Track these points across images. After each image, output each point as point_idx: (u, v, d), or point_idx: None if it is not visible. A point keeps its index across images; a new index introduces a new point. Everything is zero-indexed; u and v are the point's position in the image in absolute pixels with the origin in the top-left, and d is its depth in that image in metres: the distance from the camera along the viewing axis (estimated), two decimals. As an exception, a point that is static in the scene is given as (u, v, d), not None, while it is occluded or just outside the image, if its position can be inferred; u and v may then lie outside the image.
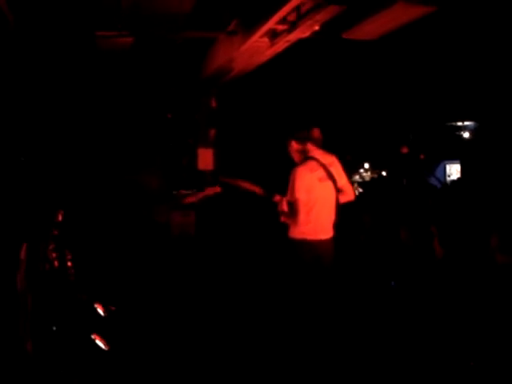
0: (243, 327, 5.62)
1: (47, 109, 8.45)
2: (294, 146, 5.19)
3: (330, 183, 5.03)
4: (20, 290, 4.18)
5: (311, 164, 5.05)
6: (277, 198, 5.33)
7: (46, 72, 8.11)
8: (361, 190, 12.52)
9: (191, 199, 7.58)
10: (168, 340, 5.28)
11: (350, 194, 5.31)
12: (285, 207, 5.16)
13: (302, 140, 5.15)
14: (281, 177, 5.40)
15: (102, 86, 8.87)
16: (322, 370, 4.55)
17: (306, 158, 5.11)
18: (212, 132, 9.35)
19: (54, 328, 4.57)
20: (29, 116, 8.07)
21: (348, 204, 5.31)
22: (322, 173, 5.01)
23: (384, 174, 15.73)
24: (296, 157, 5.21)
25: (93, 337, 4.65)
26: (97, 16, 6.37)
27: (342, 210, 5.15)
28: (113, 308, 5.22)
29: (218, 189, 6.67)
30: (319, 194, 4.98)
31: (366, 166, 18.79)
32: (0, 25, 6.07)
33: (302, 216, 4.93)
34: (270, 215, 5.54)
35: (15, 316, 4.09)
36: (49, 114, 8.50)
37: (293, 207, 5.01)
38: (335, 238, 5.11)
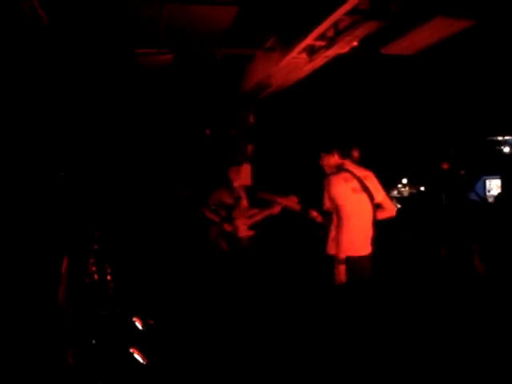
0: (285, 346, 5.57)
1: (87, 123, 8.61)
2: (331, 160, 5.12)
3: (364, 196, 4.90)
4: (61, 302, 4.24)
5: (345, 175, 4.95)
6: (313, 213, 5.31)
7: (87, 88, 8.28)
8: (399, 206, 12.38)
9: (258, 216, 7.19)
10: (206, 354, 5.27)
11: (390, 210, 5.17)
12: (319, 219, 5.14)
13: (342, 155, 5.09)
14: (317, 192, 5.38)
15: (142, 102, 9.01)
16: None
17: (340, 169, 5.03)
18: (250, 147, 9.38)
19: (94, 341, 4.62)
20: (68, 130, 8.23)
21: (386, 220, 5.21)
22: (355, 184, 4.90)
23: (422, 189, 15.54)
24: (329, 170, 5.14)
25: (131, 350, 4.69)
26: (137, 33, 6.49)
27: (379, 225, 5.07)
28: (151, 322, 5.26)
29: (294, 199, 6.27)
30: (354, 206, 4.84)
31: (404, 181, 18.58)
32: (43, 40, 6.22)
33: (344, 224, 4.78)
34: (308, 230, 5.51)
35: (57, 328, 4.15)
36: (88, 128, 8.66)
37: (330, 219, 4.96)
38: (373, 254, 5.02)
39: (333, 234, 4.92)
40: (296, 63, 6.61)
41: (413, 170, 16.01)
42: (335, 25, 5.42)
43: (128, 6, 5.62)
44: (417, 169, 15.28)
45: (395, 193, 17.60)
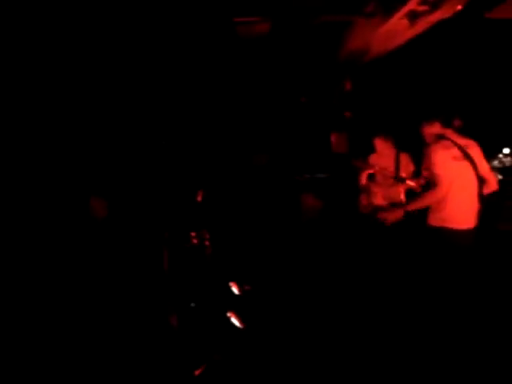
0: (370, 316, 5.54)
1: (186, 95, 8.80)
2: (433, 129, 4.99)
3: (467, 164, 4.72)
4: (166, 267, 4.43)
5: (445, 143, 4.78)
6: (410, 183, 5.21)
7: (187, 59, 8.44)
8: (500, 177, 11.89)
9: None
10: (300, 321, 5.33)
11: (493, 184, 4.90)
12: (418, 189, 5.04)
13: (444, 125, 4.94)
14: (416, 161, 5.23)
15: (240, 72, 9.09)
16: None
17: (441, 138, 4.88)
18: (346, 115, 9.28)
19: (193, 305, 4.79)
20: (170, 102, 8.45)
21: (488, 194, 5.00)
22: (456, 152, 4.72)
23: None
24: (429, 139, 5.02)
25: (228, 315, 4.83)
26: (235, 2, 6.53)
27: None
28: (248, 287, 5.37)
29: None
30: (455, 174, 4.68)
31: (506, 151, 17.82)
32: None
33: (441, 193, 4.66)
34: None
35: (163, 292, 4.34)
36: (188, 100, 8.85)
37: (430, 186, 4.79)
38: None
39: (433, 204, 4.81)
40: (396, 29, 6.43)
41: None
42: (439, -12, 5.25)
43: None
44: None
45: (496, 163, 16.95)
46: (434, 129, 4.96)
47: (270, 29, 6.86)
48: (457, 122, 5.02)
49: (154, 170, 6.29)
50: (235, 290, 5.27)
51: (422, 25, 6.10)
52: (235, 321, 4.81)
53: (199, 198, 5.58)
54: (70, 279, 4.63)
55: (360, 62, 8.42)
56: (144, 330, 4.40)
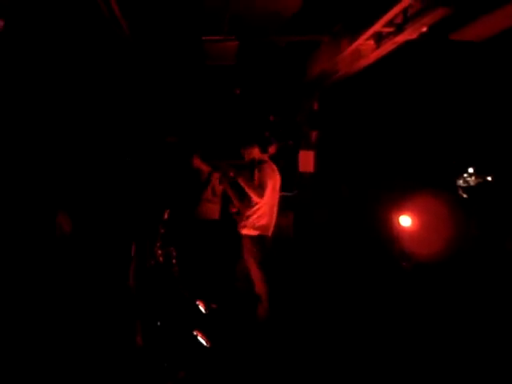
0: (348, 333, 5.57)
1: (155, 110, 8.78)
2: None
3: None
4: (132, 285, 4.38)
5: None
6: None
7: (158, 75, 8.47)
8: (465, 196, 12.08)
9: None
10: (266, 338, 5.31)
11: None
12: None
13: None
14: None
15: (207, 89, 9.13)
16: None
17: None
18: (314, 134, 9.35)
19: (159, 323, 4.75)
20: (136, 117, 8.43)
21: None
22: None
23: (489, 179, 15.15)
24: None
25: (195, 333, 4.79)
26: (204, 21, 6.59)
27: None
28: (214, 306, 5.34)
29: None
30: None
31: (471, 170, 18.15)
32: (116, 34, 6.45)
33: None
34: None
35: (128, 310, 4.29)
36: (156, 116, 8.83)
37: None
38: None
39: None
40: (363, 50, 6.56)
41: (480, 158, 15.62)
42: (404, 11, 5.36)
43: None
44: (484, 157, 14.90)
45: (461, 182, 17.22)
46: None
47: (237, 47, 6.91)
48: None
49: (121, 187, 6.24)
50: (202, 308, 5.24)
51: (388, 46, 6.21)
52: (201, 339, 4.78)
53: (166, 216, 5.55)
54: (36, 295, 4.55)
55: (328, 82, 8.52)
56: (109, 347, 4.34)
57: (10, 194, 4.67)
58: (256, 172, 5.29)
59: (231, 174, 5.41)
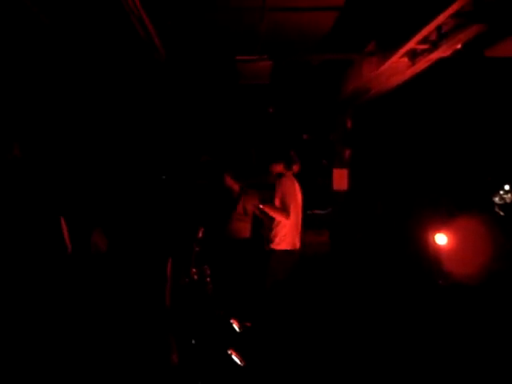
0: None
1: (189, 130, 8.89)
2: None
3: None
4: (168, 303, 4.39)
5: None
6: None
7: (192, 96, 8.59)
8: (502, 213, 11.82)
9: None
10: (301, 357, 5.27)
11: None
12: None
13: None
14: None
15: (241, 108, 9.20)
16: None
17: None
18: (347, 152, 9.32)
19: (193, 341, 4.74)
20: (172, 138, 8.54)
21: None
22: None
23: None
24: None
25: (229, 352, 4.77)
26: (237, 41, 6.65)
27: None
28: (248, 324, 5.32)
29: None
30: None
31: (507, 187, 17.80)
32: (154, 60, 6.59)
33: None
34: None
35: (163, 329, 4.30)
36: (191, 135, 8.93)
37: None
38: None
39: None
40: (397, 67, 6.52)
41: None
42: (438, 28, 5.32)
43: (230, 14, 5.81)
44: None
45: (497, 199, 16.88)
46: None
47: (271, 67, 6.94)
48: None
49: (157, 205, 6.32)
50: (236, 326, 5.22)
51: (423, 63, 6.17)
52: (236, 358, 4.75)
53: (200, 234, 5.58)
54: (71, 315, 4.59)
55: (362, 100, 8.50)
56: (146, 365, 4.35)
57: (46, 212, 4.74)
58: (276, 187, 5.66)
59: (259, 206, 5.99)
